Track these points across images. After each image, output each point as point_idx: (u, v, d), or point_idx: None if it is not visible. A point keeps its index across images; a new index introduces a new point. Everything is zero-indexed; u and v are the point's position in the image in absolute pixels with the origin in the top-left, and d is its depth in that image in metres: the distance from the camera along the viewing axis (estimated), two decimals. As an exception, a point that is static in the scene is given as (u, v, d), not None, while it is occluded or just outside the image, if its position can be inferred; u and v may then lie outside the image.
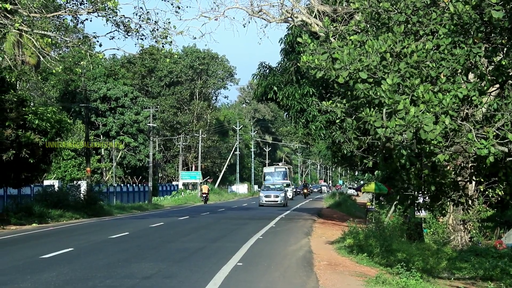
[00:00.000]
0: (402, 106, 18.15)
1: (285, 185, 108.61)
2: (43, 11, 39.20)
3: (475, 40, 19.17)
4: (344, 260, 25.38)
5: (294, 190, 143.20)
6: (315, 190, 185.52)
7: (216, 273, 20.52)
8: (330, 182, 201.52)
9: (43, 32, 40.46)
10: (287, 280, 19.99)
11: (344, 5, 31.06)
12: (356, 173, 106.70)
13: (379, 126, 18.97)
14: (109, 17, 38.67)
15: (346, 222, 41.04)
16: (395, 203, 35.94)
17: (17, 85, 49.65)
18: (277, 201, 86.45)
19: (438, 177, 22.61)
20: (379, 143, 22.86)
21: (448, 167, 22.13)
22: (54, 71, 42.07)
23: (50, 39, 41.35)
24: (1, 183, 44.42)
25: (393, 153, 22.86)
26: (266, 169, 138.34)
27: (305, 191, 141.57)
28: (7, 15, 36.36)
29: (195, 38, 79.77)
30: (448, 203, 26.66)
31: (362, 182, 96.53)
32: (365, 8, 21.98)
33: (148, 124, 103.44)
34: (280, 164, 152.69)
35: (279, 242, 32.16)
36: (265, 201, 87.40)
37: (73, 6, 39.60)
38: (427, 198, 27.04)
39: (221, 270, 21.17)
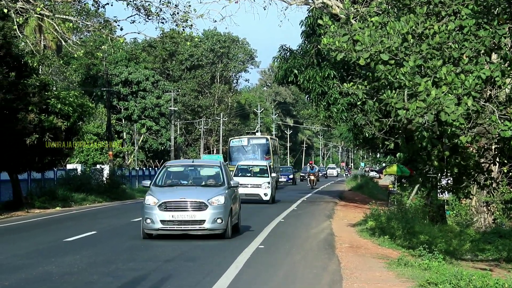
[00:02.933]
0: (423, 88, 18.06)
1: (268, 168, 60.62)
2: (64, -5, 39.17)
3: (500, 21, 19.01)
4: (366, 242, 25.32)
5: (292, 176, 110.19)
6: (321, 173, 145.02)
7: (237, 256, 20.47)
8: (352, 164, 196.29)
9: (64, 16, 40.52)
10: (309, 263, 19.89)
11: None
12: (378, 155, 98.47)
13: (401, 108, 18.90)
14: (130, 1, 38.65)
15: (368, 204, 41.06)
16: (417, 185, 35.86)
17: (40, 70, 49.72)
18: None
19: (460, 159, 22.49)
20: (401, 125, 22.74)
21: (471, 149, 21.96)
22: (75, 55, 42.11)
23: (71, 24, 41.39)
24: (25, 167, 44.55)
25: (415, 135, 22.80)
26: (234, 142, 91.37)
27: (312, 177, 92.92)
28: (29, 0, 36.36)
29: (215, 21, 79.58)
30: (471, 185, 26.52)
31: (383, 164, 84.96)
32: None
33: (170, 108, 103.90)
34: (257, 133, 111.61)
35: (300, 225, 32.11)
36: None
37: (93, -9, 39.57)
38: (450, 180, 26.94)
39: (243, 253, 21.16)
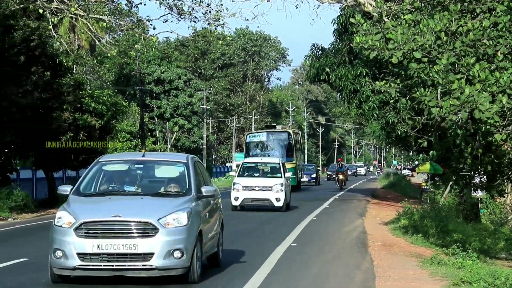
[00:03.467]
0: (456, 86, 18.03)
1: (280, 166, 47.25)
2: (98, -4, 39.32)
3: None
4: (398, 240, 25.25)
5: (315, 175, 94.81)
6: (350, 172, 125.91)
7: (270, 254, 20.45)
8: (384, 162, 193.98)
9: (98, 16, 40.75)
10: (342, 261, 19.88)
11: (397, -14, 30.72)
12: (411, 153, 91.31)
13: (434, 105, 18.88)
14: (163, 1, 38.72)
15: (401, 202, 41.00)
16: (450, 183, 35.75)
17: (74, 69, 50.01)
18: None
19: (494, 157, 22.41)
20: (434, 123, 22.73)
21: (506, 147, 21.84)
22: (109, 54, 42.24)
23: (105, 23, 41.62)
24: (60, 165, 44.94)
25: (448, 133, 22.76)
26: (252, 137, 77.20)
27: (341, 176, 79.82)
28: (64, 0, 36.50)
29: (247, 20, 79.49)
30: (505, 183, 26.43)
31: (416, 162, 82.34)
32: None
33: (202, 106, 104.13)
34: (278, 127, 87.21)
35: (333, 223, 32.08)
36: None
37: (127, -9, 39.72)
38: (483, 178, 26.86)
39: (275, 251, 21.11)
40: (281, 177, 41.81)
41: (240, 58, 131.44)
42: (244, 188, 40.37)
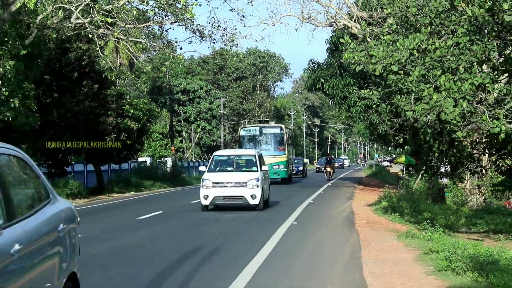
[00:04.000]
0: (426, 93, 18.14)
1: (256, 159, 33.65)
2: (136, 22, 39.47)
3: (489, 38, 19.00)
4: (380, 219, 25.29)
5: (301, 168, 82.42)
6: (336, 165, 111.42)
7: (276, 230, 20.47)
8: (368, 156, 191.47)
9: (135, 39, 40.85)
10: (334, 236, 19.97)
11: (378, 11, 30.78)
12: (389, 148, 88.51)
13: (408, 109, 18.99)
14: (188, 26, 38.84)
15: (382, 188, 40.96)
16: (421, 172, 35.70)
17: (116, 82, 50.19)
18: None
19: (456, 151, 22.48)
20: (408, 124, 22.81)
21: (465, 143, 21.92)
22: (144, 70, 42.49)
23: (141, 45, 41.81)
24: (105, 160, 45.68)
25: (420, 132, 22.85)
26: (246, 131, 65.78)
27: (329, 169, 70.11)
28: (108, 26, 36.66)
29: (256, 41, 79.69)
30: (465, 171, 26.51)
31: (394, 155, 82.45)
32: (396, 13, 21.88)
33: (219, 111, 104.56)
34: (271, 122, 76.03)
35: (326, 205, 32.07)
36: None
37: (159, 18, 39.79)
38: (448, 168, 26.95)
39: (280, 228, 21.14)
40: (257, 171, 31.14)
41: (250, 72, 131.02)
42: (214, 184, 30.08)
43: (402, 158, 43.93)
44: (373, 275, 12.50)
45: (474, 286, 11.40)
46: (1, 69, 32.41)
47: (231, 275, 13.08)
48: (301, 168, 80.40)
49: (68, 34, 39.70)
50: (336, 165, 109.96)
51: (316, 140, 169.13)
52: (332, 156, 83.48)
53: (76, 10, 35.08)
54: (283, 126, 63.58)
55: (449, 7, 19.31)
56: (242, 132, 61.70)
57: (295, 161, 78.71)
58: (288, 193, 41.50)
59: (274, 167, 46.07)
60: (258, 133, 59.92)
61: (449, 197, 33.48)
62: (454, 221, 23.68)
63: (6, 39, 34.33)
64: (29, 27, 36.02)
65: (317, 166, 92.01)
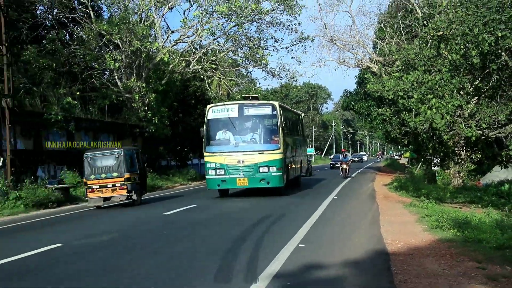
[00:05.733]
0: (423, 110, 18.08)
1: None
2: (231, 67, 40.03)
3: (463, 74, 18.83)
4: (392, 194, 25.06)
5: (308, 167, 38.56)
6: (356, 159, 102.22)
7: (322, 202, 20.39)
8: (384, 152, 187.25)
9: (230, 78, 41.45)
10: (362, 205, 19.89)
11: (389, 57, 30.62)
12: (399, 147, 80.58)
13: (411, 121, 18.85)
14: (264, 68, 39.36)
15: (394, 174, 40.60)
16: (420, 163, 35.35)
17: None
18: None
19: (444, 148, 22.28)
20: (411, 131, 22.66)
21: (450, 143, 21.69)
22: (236, 98, 42.92)
23: (234, 82, 42.22)
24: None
25: (418, 136, 22.66)
26: (216, 112, 22.77)
27: (345, 166, 40.87)
28: (213, 70, 37.32)
29: (309, 77, 79.93)
30: (450, 162, 26.27)
31: (402, 152, 75.29)
32: (401, 58, 21.90)
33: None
34: (259, 100, 25.20)
35: (356, 185, 31.86)
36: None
37: (245, 64, 40.29)
38: (438, 160, 26.86)
39: (325, 201, 21.00)
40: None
41: (305, 97, 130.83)
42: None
43: (407, 154, 43.34)
44: (387, 232, 12.42)
45: (455, 238, 11.32)
46: (147, 100, 33.32)
47: (298, 225, 13.37)
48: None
49: (188, 76, 40.56)
50: (356, 159, 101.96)
51: (349, 142, 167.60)
52: (347, 152, 58.22)
53: (193, 60, 35.78)
54: (276, 104, 24.10)
55: (436, 54, 19.16)
56: (210, 114, 23.82)
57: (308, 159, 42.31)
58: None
59: (261, 169, 22.10)
60: (235, 114, 23.60)
61: (439, 179, 33.02)
62: (442, 195, 23.30)
63: (150, 80, 35.30)
64: (164, 72, 36.86)
65: (331, 162, 64.20)
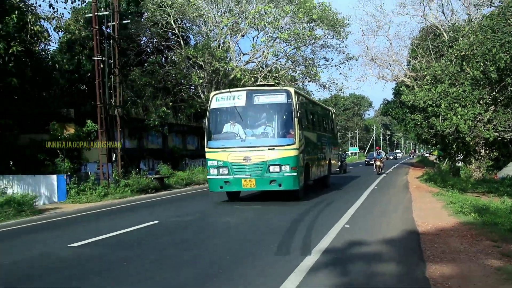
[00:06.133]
0: (449, 116, 17.69)
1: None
2: (290, 82, 39.86)
3: (483, 87, 18.27)
4: (423, 185, 24.48)
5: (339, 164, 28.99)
6: (390, 157, 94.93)
7: (364, 191, 20.12)
8: (416, 151, 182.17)
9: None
10: (398, 193, 19.49)
11: (420, 72, 29.88)
12: (429, 146, 77.98)
13: (438, 125, 18.49)
14: (316, 82, 39.15)
15: (424, 168, 39.55)
16: (446, 159, 34.32)
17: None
18: None
19: (467, 147, 21.66)
20: (439, 133, 22.12)
21: (471, 143, 21.07)
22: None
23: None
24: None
25: (446, 137, 22.04)
26: (220, 100, 14.71)
27: (378, 163, 34.79)
28: (276, 85, 37.23)
29: (354, 89, 78.86)
30: (471, 159, 25.43)
31: (431, 150, 74.30)
32: (430, 73, 21.41)
33: (337, 127, 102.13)
34: (273, 86, 15.33)
35: (393, 178, 31.26)
36: None
37: (302, 79, 40.06)
38: (461, 157, 26.14)
39: (366, 190, 20.70)
40: None
41: (351, 106, 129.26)
42: None
43: (436, 152, 42.30)
44: (418, 216, 12.18)
45: (475, 221, 11.01)
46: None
47: (346, 208, 13.37)
48: (338, 163, 29.90)
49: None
50: (391, 157, 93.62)
51: (387, 142, 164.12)
52: (381, 150, 52.01)
53: (260, 77, 35.92)
54: (291, 90, 14.57)
55: (459, 70, 18.68)
56: (214, 103, 15.01)
57: (342, 157, 36.87)
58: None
59: (271, 169, 14.23)
60: (243, 103, 14.53)
61: (462, 173, 31.99)
62: (464, 186, 22.58)
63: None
64: (237, 86, 37.20)
65: (366, 159, 58.15)
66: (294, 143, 14.38)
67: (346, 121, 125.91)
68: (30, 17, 18.50)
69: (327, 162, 20.88)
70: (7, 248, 9.81)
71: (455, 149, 22.68)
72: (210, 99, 15.15)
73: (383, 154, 41.04)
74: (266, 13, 32.99)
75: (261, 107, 14.72)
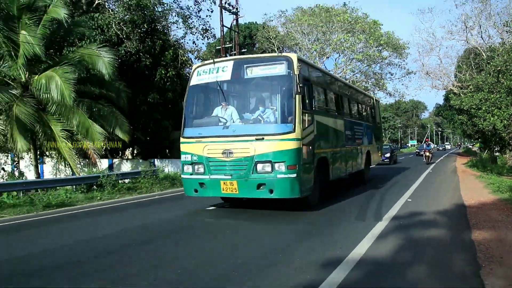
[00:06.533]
0: (488, 117, 17.59)
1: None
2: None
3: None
4: (467, 169, 23.66)
5: (388, 155, 25.41)
6: (440, 148, 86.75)
7: (421, 175, 19.53)
8: (462, 143, 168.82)
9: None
10: (448, 176, 19.10)
11: (465, 83, 29.02)
12: (472, 140, 71.07)
13: (480, 124, 18.39)
14: (384, 91, 39.33)
15: (469, 157, 37.96)
16: (487, 149, 32.93)
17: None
18: None
19: (502, 141, 21.15)
20: (480, 130, 21.74)
21: (506, 138, 20.58)
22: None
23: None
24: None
25: (485, 133, 21.70)
26: (201, 74, 6.70)
27: (427, 154, 28.16)
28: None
29: (413, 96, 75.02)
30: (506, 150, 24.61)
31: (474, 143, 67.12)
32: (473, 83, 21.14)
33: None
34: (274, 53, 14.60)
35: (443, 165, 29.92)
36: None
37: (372, 89, 40.31)
38: (498, 148, 25.25)
39: (422, 175, 19.92)
40: None
41: (410, 108, 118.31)
42: None
43: (478, 144, 40.28)
44: (465, 194, 12.23)
45: (510, 198, 10.99)
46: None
47: (406, 189, 13.29)
48: (388, 154, 28.14)
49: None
50: (440, 148, 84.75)
51: (439, 137, 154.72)
52: (430, 142, 45.73)
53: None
54: (293, 57, 6.16)
55: (496, 81, 18.44)
56: (194, 79, 7.32)
57: (384, 148, 24.57)
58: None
59: (258, 167, 6.65)
60: (227, 76, 6.58)
61: (499, 161, 30.49)
62: (501, 171, 21.82)
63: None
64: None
65: (417, 150, 50.02)
66: (294, 130, 7.59)
67: (407, 120, 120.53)
68: (180, 51, 21.18)
69: (362, 155, 13.57)
70: (168, 207, 10.71)
71: (493, 142, 22.15)
72: (191, 74, 8.73)
73: (432, 145, 35.10)
74: (345, 40, 34.84)
75: (251, 82, 8.22)
